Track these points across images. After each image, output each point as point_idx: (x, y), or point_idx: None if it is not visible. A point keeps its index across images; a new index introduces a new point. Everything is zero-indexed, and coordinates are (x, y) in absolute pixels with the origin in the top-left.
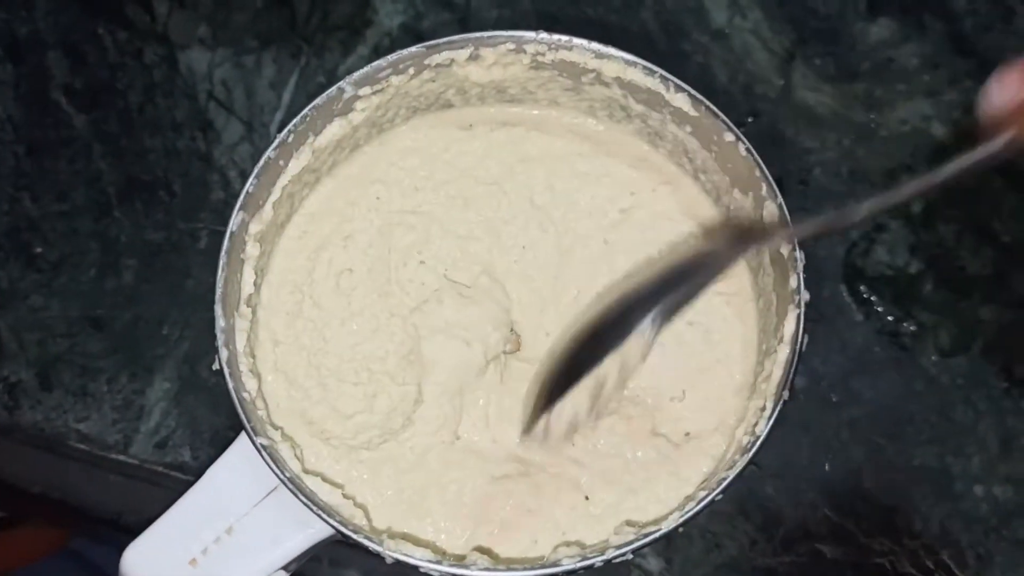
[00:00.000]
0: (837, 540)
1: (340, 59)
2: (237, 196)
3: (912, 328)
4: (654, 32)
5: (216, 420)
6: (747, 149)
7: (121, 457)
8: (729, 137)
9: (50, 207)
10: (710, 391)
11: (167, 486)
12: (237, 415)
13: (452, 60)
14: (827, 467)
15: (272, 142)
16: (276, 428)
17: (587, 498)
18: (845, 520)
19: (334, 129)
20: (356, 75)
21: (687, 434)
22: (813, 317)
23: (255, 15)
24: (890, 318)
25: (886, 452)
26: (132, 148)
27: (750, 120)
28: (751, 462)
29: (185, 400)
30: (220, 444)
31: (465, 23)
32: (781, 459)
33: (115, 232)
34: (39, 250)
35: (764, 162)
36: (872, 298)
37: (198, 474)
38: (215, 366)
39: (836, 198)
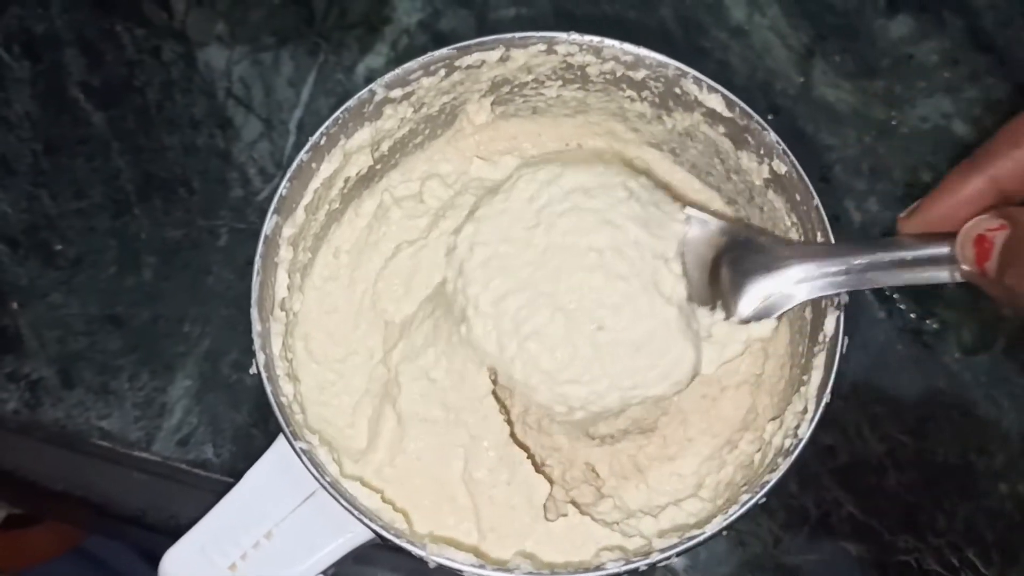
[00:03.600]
0: (861, 538)
1: (358, 56)
2: (256, 194)
3: (934, 326)
4: (672, 29)
5: (238, 417)
6: (784, 151)
7: (144, 454)
8: (766, 138)
9: (68, 205)
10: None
11: (190, 483)
12: (261, 414)
13: (483, 61)
14: (850, 465)
15: (291, 139)
16: (314, 432)
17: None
18: (869, 518)
19: (364, 134)
20: (387, 77)
21: (726, 441)
22: None
23: (272, 12)
24: (912, 316)
25: (909, 450)
26: (150, 145)
27: (770, 117)
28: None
29: (206, 398)
30: (242, 441)
31: (483, 21)
32: (803, 457)
33: (134, 229)
34: (58, 248)
35: None
36: (894, 296)
37: (221, 471)
38: (252, 371)
39: (857, 195)
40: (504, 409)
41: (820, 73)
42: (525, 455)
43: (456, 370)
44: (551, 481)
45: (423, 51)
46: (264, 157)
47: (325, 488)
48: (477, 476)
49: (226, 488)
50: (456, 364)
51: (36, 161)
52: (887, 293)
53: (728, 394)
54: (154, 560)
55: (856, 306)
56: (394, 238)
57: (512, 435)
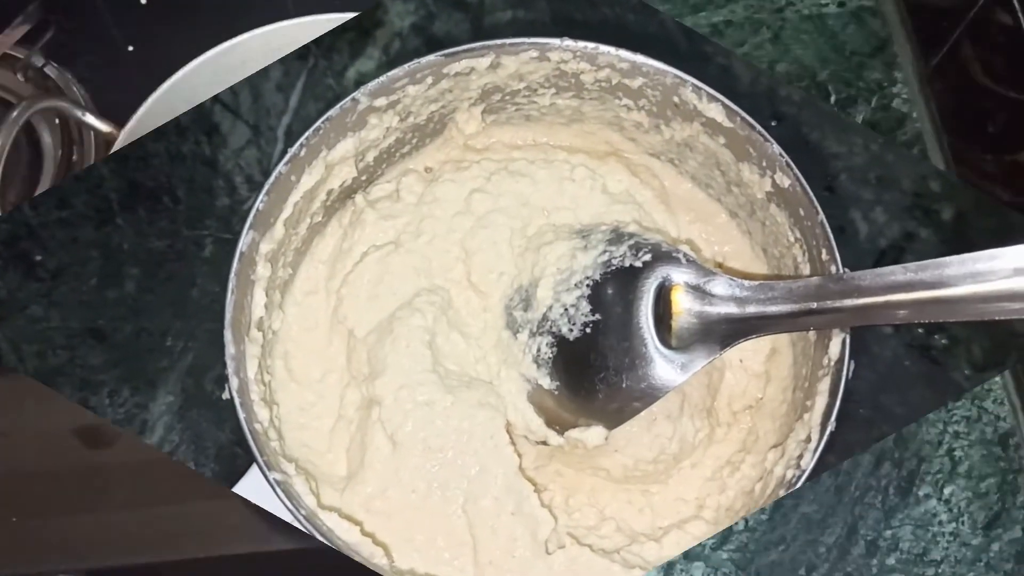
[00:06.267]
0: None
1: (348, 61)
2: (243, 202)
3: (944, 342)
4: (674, 34)
5: (221, 435)
6: (787, 163)
7: None
8: (768, 150)
9: (50, 214)
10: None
11: None
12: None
13: (472, 68)
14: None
15: (279, 146)
16: (290, 460)
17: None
18: None
19: (347, 145)
20: (371, 85)
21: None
22: None
23: None
24: (920, 331)
25: None
26: (134, 152)
27: (773, 124)
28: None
29: (189, 415)
30: (225, 460)
31: (478, 24)
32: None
33: (117, 240)
34: (38, 258)
35: None
36: None
37: None
38: (225, 395)
39: (863, 205)
40: (514, 441)
41: None
42: (532, 488)
43: (469, 405)
44: (552, 508)
45: (416, 55)
46: (251, 164)
47: (300, 522)
48: (482, 504)
49: None
50: (470, 398)
51: None
52: None
53: (736, 417)
54: None
55: None
56: (367, 242)
57: (520, 468)
